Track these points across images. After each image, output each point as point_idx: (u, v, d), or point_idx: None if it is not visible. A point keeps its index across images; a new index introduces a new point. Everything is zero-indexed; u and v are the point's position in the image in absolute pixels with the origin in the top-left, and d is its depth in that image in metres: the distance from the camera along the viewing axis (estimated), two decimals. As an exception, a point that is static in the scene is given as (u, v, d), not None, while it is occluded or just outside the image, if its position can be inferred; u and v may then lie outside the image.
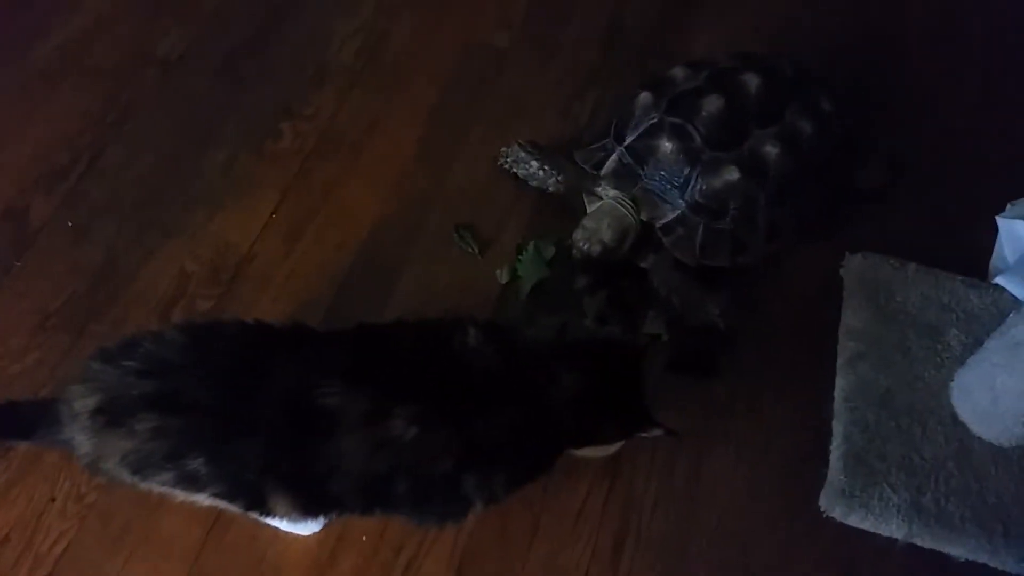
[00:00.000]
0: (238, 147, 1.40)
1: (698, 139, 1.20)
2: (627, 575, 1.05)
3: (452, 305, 1.22)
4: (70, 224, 1.29)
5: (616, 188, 1.25)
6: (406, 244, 1.31)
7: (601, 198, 1.26)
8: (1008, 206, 1.31)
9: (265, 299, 1.24)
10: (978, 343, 1.16)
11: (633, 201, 1.23)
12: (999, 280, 1.26)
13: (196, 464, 0.83)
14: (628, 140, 1.25)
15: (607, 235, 1.21)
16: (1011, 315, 1.09)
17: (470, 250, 1.30)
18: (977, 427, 1.15)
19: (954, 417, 1.16)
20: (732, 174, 1.18)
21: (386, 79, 1.50)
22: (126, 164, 1.37)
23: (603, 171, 1.26)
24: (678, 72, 1.29)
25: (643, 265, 1.25)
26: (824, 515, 1.10)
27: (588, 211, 1.26)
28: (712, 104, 1.21)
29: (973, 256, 1.31)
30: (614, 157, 1.26)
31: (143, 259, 1.26)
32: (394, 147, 1.42)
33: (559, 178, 1.33)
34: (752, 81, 1.22)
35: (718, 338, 1.20)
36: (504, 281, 1.26)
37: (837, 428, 1.15)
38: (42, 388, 1.12)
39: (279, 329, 0.92)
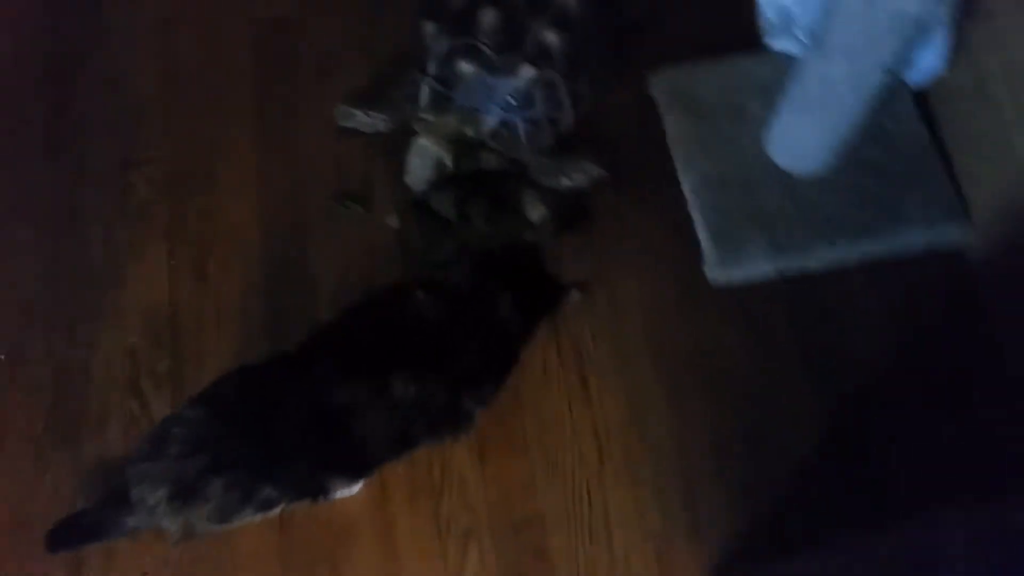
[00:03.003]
0: (104, 217, 1.46)
1: (488, 50, 1.37)
2: (599, 396, 1.32)
3: (368, 265, 1.39)
4: (2, 357, 1.36)
5: (436, 115, 1.40)
6: (301, 236, 1.44)
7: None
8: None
9: (210, 341, 1.36)
10: (776, 103, 1.42)
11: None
12: (768, 42, 1.50)
13: (267, 492, 1.02)
14: (431, 70, 1.40)
15: (427, 172, 1.40)
16: (792, 69, 1.33)
17: (359, 210, 1.45)
18: (796, 167, 1.44)
19: (777, 168, 1.45)
20: (527, 70, 1.37)
21: (196, 93, 1.56)
22: (14, 279, 1.42)
23: (420, 103, 1.42)
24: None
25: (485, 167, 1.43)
26: (714, 283, 1.39)
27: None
28: (487, 16, 1.38)
29: (750, 29, 1.51)
30: (425, 89, 1.41)
31: (87, 355, 1.36)
32: (239, 155, 1.51)
33: (384, 118, 1.47)
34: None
35: (582, 195, 1.44)
36: (397, 225, 1.44)
37: (696, 216, 1.43)
38: (75, 503, 1.25)
39: (264, 364, 1.08)
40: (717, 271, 1.40)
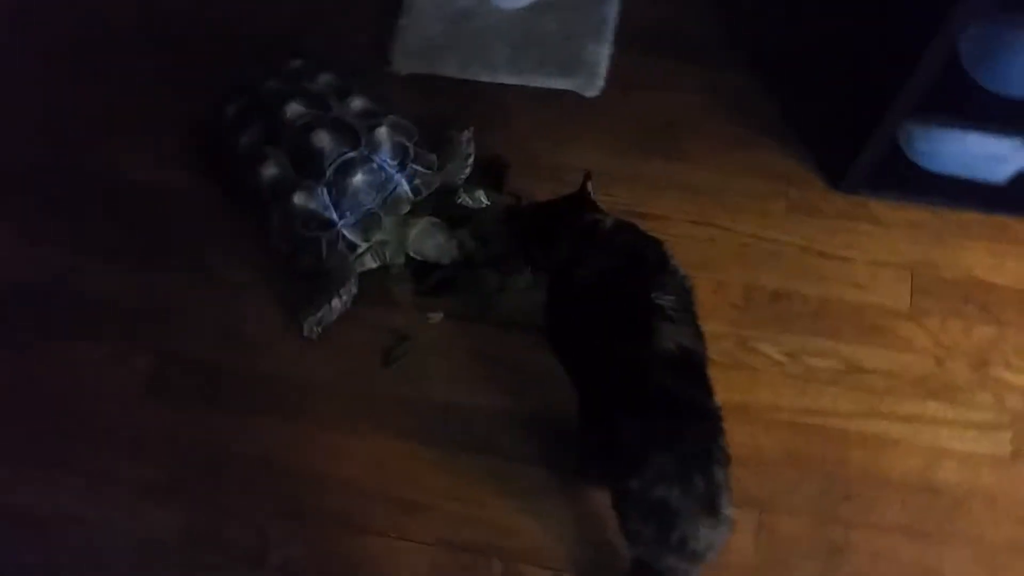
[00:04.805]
0: None
1: (355, 154, 1.49)
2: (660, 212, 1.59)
3: (467, 355, 1.51)
4: None
5: (379, 236, 1.51)
6: (423, 401, 1.48)
7: (388, 257, 1.54)
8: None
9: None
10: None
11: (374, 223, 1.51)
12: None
13: (720, 445, 1.15)
14: (335, 216, 1.49)
15: (440, 240, 1.52)
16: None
17: (410, 346, 1.51)
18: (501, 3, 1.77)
19: (520, 10, 1.75)
20: (381, 132, 1.52)
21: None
22: None
23: (358, 242, 1.50)
24: (270, 171, 1.50)
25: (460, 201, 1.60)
26: (602, 94, 1.68)
27: (411, 252, 1.53)
28: (322, 138, 1.48)
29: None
30: (349, 230, 1.50)
31: None
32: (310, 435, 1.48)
33: (343, 288, 1.50)
34: (293, 108, 1.51)
35: (483, 157, 1.64)
36: (441, 315, 1.53)
37: (538, 83, 1.70)
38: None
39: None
40: (590, 87, 1.70)
